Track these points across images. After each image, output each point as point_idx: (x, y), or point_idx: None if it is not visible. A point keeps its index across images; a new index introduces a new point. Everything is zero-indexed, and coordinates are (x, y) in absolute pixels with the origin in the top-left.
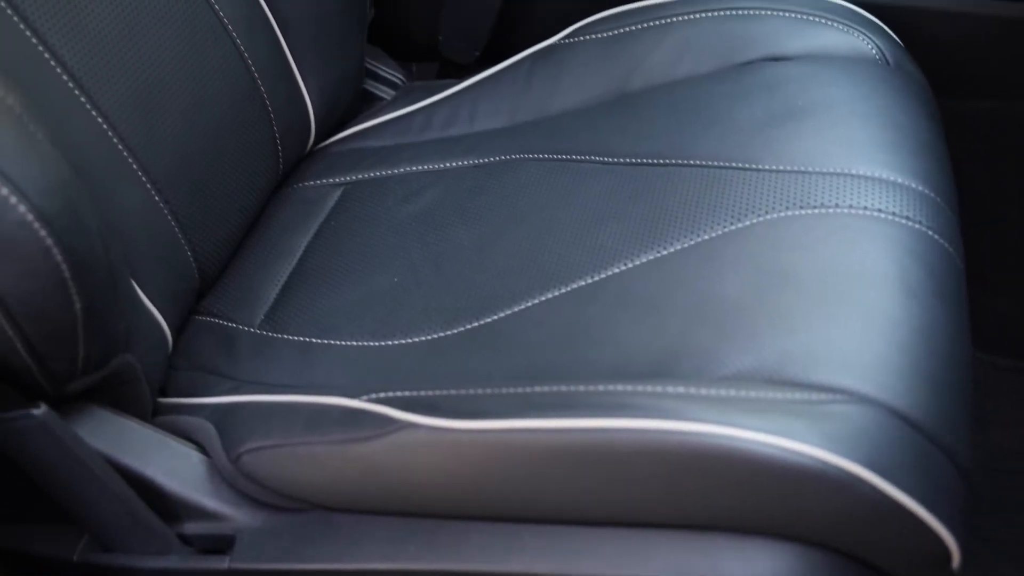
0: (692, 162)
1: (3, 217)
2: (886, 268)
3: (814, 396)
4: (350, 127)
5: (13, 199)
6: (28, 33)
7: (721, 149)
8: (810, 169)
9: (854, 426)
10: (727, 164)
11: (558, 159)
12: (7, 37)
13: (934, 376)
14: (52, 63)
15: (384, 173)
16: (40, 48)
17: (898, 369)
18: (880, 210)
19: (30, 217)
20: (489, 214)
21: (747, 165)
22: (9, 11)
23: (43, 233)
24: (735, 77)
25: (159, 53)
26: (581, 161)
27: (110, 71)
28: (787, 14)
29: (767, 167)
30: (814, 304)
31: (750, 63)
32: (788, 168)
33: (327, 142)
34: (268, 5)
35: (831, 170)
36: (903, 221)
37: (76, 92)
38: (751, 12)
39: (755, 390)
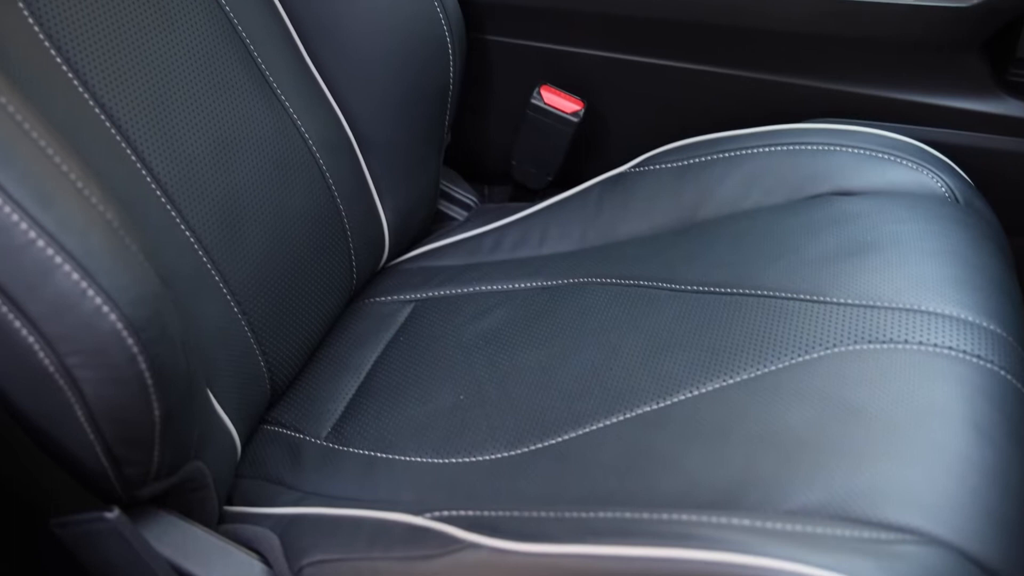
0: (760, 292)
1: (95, 326)
2: (956, 407)
3: (882, 535)
4: (423, 245)
5: (106, 308)
6: (129, 151)
7: (789, 280)
8: (879, 304)
9: (923, 567)
10: (795, 296)
11: (625, 284)
12: (111, 155)
13: (1006, 518)
14: (148, 180)
15: (454, 291)
16: (139, 165)
17: (969, 510)
18: (950, 348)
19: (120, 326)
20: (556, 336)
21: (815, 297)
22: (113, 130)
23: (131, 342)
24: (803, 210)
25: (248, 172)
26: (648, 287)
27: (201, 188)
28: (856, 150)
29: (835, 300)
30: (882, 440)
31: (818, 197)
32: (856, 302)
33: (400, 259)
34: (351, 129)
35: (900, 305)
36: (974, 360)
37: (168, 207)
38: (820, 147)
39: (822, 526)
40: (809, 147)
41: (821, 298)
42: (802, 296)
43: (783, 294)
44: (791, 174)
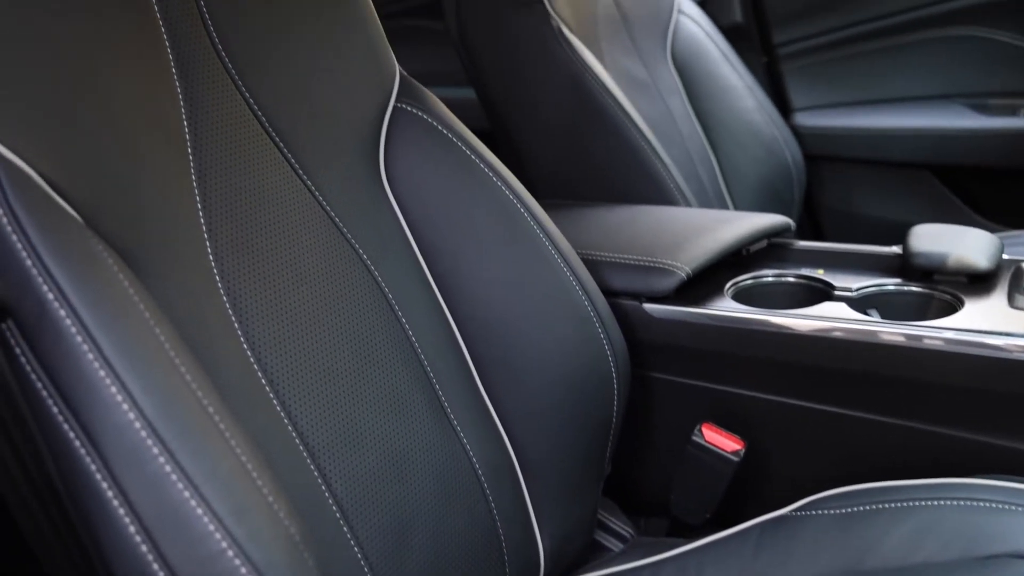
0: None
1: None
2: None
3: None
4: (577, 575)
5: None
6: (313, 468)
7: None
8: None
9: None
10: None
11: None
12: (296, 469)
13: None
14: (327, 495)
15: None
16: (320, 481)
17: None
18: None
19: None
20: None
21: None
22: (301, 447)
23: None
24: (979, 570)
25: (416, 491)
26: None
27: (371, 505)
28: None
29: None
30: None
31: (995, 558)
32: None
33: None
34: (515, 453)
35: None
36: None
37: (341, 523)
38: (996, 505)
39: None
40: (983, 504)
41: None
42: None
43: None
44: (965, 531)
